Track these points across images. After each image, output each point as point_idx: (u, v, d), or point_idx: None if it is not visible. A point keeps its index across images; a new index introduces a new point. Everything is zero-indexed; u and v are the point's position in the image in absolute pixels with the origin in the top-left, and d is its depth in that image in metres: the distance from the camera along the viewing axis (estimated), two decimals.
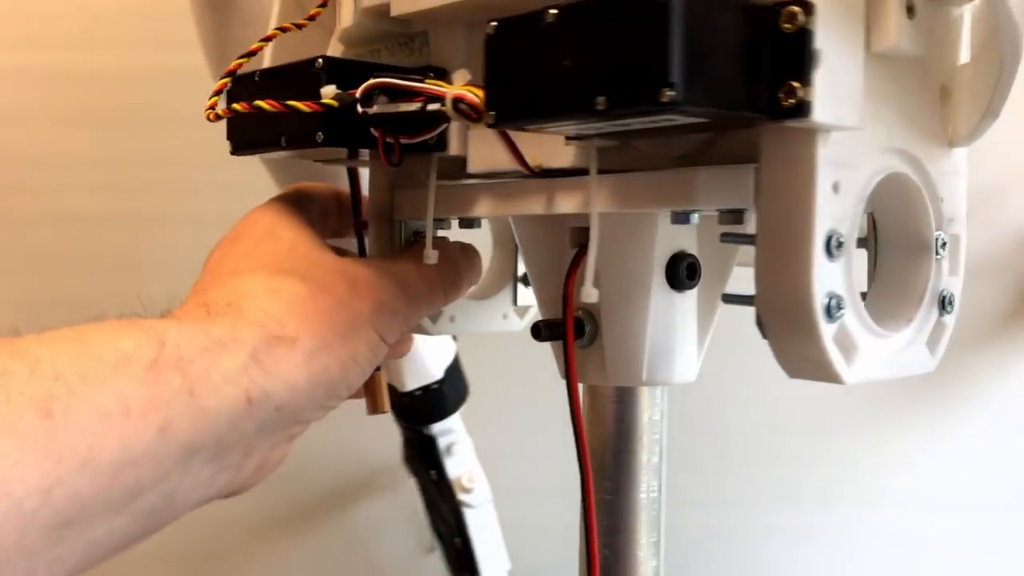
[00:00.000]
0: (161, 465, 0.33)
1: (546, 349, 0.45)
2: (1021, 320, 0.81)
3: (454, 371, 0.70)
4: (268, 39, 0.44)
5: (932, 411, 0.87)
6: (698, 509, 0.84)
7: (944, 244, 0.38)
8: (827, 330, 0.33)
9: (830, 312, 0.33)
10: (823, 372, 0.34)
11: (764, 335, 0.35)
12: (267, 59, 0.50)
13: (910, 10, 0.33)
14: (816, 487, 0.87)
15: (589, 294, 0.37)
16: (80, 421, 0.31)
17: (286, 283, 0.39)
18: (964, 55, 0.38)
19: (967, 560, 0.88)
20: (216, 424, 0.34)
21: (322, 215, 0.47)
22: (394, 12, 0.42)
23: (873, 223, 0.39)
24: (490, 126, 0.33)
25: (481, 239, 0.52)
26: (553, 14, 0.30)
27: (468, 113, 0.35)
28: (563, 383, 0.43)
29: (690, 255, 0.42)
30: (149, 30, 0.84)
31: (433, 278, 0.44)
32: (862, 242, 0.40)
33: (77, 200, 0.85)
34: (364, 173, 0.50)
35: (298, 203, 0.45)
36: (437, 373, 0.69)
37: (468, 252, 0.47)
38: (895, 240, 0.39)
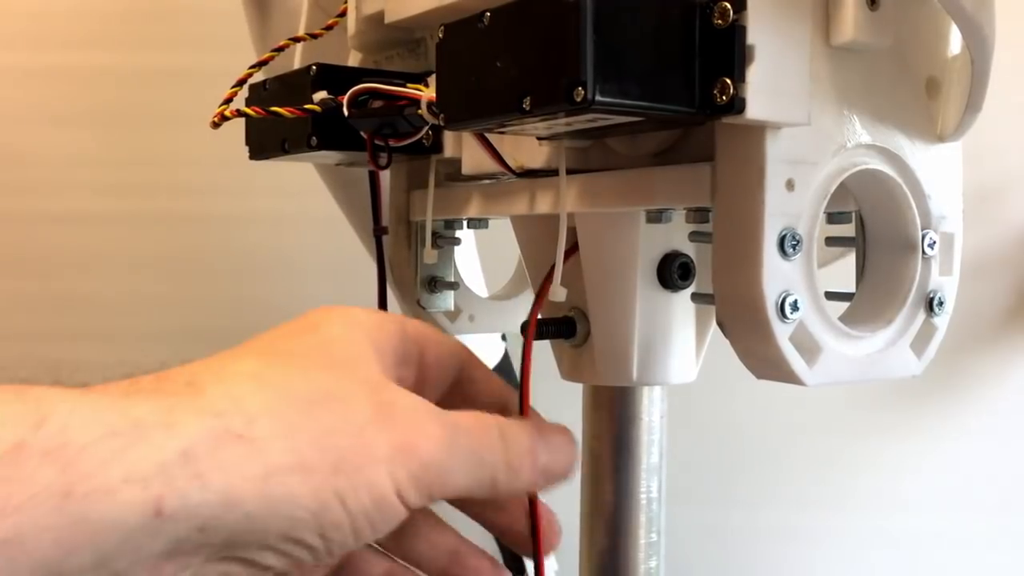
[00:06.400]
0: None
1: None
2: (1021, 320, 0.77)
3: (503, 371, 0.71)
4: (279, 49, 0.47)
5: (931, 410, 0.83)
6: (699, 509, 0.83)
7: (933, 243, 0.37)
8: (781, 330, 0.33)
9: (784, 312, 0.32)
10: (782, 373, 0.33)
11: (724, 335, 0.34)
12: (297, 64, 0.52)
13: (872, 1, 0.33)
14: (816, 487, 0.85)
15: (556, 293, 0.38)
16: None
17: (285, 376, 0.30)
18: (956, 46, 0.37)
19: (968, 560, 0.85)
20: (102, 541, 0.25)
21: (402, 358, 0.34)
22: (387, 20, 0.43)
23: (860, 221, 0.38)
24: (443, 128, 0.34)
25: (493, 239, 0.53)
26: (488, 17, 0.31)
27: (438, 115, 0.36)
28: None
29: (683, 255, 0.42)
30: (149, 30, 0.85)
31: (510, 438, 0.33)
32: (851, 241, 0.39)
33: (77, 200, 0.86)
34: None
35: (379, 317, 0.34)
36: None
37: (564, 435, 0.36)
38: (881, 239, 0.37)
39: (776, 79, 0.30)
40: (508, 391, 0.38)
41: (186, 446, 0.26)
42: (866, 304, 0.37)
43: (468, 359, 0.36)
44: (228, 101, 0.43)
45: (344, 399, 0.30)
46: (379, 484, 0.29)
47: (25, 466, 0.24)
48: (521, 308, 0.55)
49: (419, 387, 0.34)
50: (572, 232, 0.42)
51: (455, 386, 0.35)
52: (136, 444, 0.25)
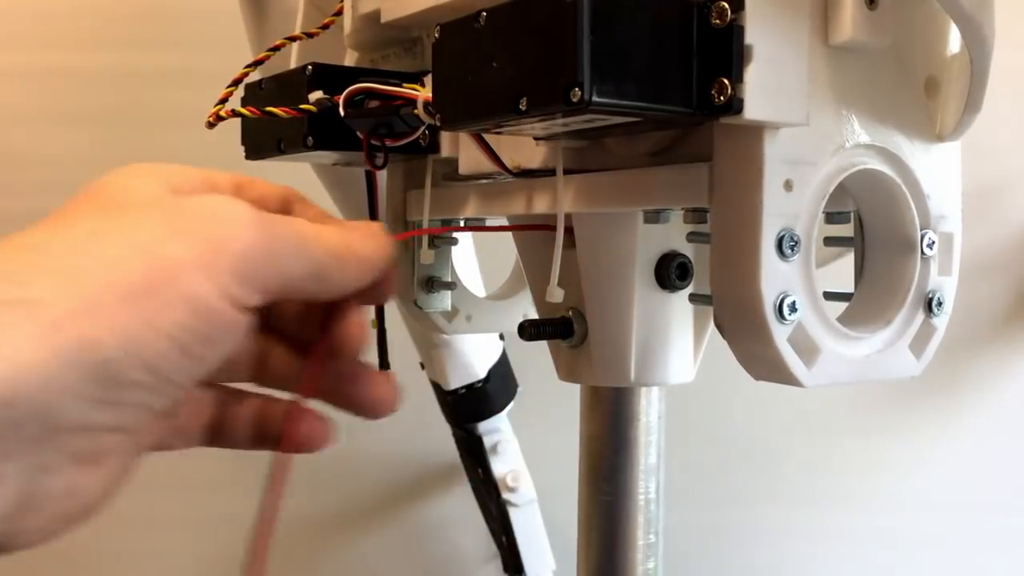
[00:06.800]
0: None
1: None
2: (1021, 320, 0.77)
3: (500, 370, 0.71)
4: (275, 48, 0.46)
5: (931, 411, 0.83)
6: (697, 510, 0.83)
7: (932, 243, 0.37)
8: (780, 331, 0.32)
9: (782, 313, 0.32)
10: (780, 374, 0.33)
11: (722, 336, 0.34)
12: (294, 63, 0.52)
13: (871, 0, 0.32)
14: (815, 488, 0.85)
15: (553, 294, 0.37)
16: None
17: (63, 232, 0.28)
18: (955, 45, 0.37)
19: (968, 560, 0.85)
20: None
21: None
22: (384, 19, 0.43)
23: (859, 221, 0.38)
24: (439, 128, 0.33)
25: (491, 239, 0.53)
26: (484, 16, 0.30)
27: (433, 115, 0.35)
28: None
29: (681, 255, 0.42)
30: (149, 30, 0.85)
31: (322, 231, 0.31)
32: (849, 241, 0.39)
33: None
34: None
35: (173, 168, 0.32)
36: (481, 372, 0.70)
37: (370, 225, 0.35)
38: (880, 239, 0.37)
39: (774, 79, 0.30)
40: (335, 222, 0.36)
41: None
42: (865, 304, 0.37)
43: (297, 201, 0.35)
44: (224, 101, 0.43)
45: (128, 226, 0.28)
46: (196, 294, 0.27)
47: None
48: (519, 308, 0.54)
49: None
50: (570, 232, 0.41)
51: None
52: None
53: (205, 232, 0.28)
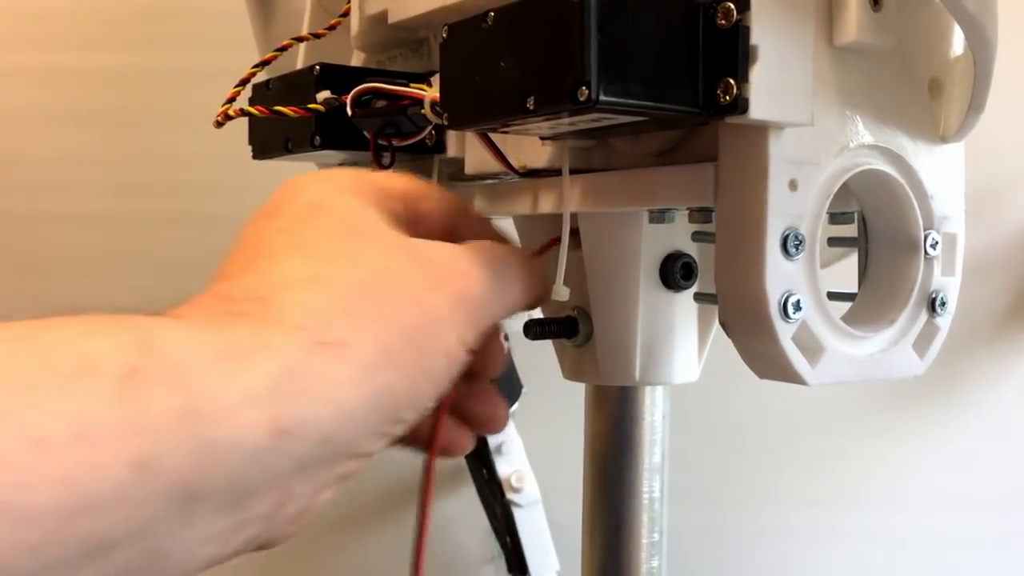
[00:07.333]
0: (140, 512, 0.23)
1: None
2: (1021, 320, 0.77)
3: (505, 371, 0.71)
4: (282, 49, 0.47)
5: (931, 410, 0.83)
6: (701, 509, 0.83)
7: (935, 244, 0.37)
8: (784, 330, 0.33)
9: (786, 312, 0.32)
10: (785, 373, 0.34)
11: (727, 335, 0.35)
12: (300, 64, 0.52)
13: (875, 2, 0.33)
14: (818, 487, 0.85)
15: (559, 292, 0.38)
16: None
17: (336, 268, 0.29)
18: (958, 46, 0.37)
19: (968, 560, 0.85)
20: (230, 463, 0.25)
21: (399, 209, 0.34)
22: (391, 20, 0.43)
23: (863, 221, 0.38)
24: (446, 128, 0.34)
25: None
26: (491, 17, 0.31)
27: (441, 115, 0.36)
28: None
29: (686, 255, 0.42)
30: (150, 31, 0.85)
31: (530, 262, 0.35)
32: (853, 241, 0.39)
33: (77, 200, 0.85)
34: None
35: (361, 179, 0.34)
36: None
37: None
38: (883, 239, 0.37)
39: (779, 79, 0.30)
40: (500, 237, 0.38)
41: (286, 365, 0.26)
42: (868, 304, 0.37)
43: (465, 210, 0.37)
44: (231, 100, 0.43)
45: (392, 271, 0.30)
46: (449, 343, 0.30)
47: (144, 389, 0.24)
48: None
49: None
50: (575, 232, 0.42)
51: (452, 237, 0.35)
52: (243, 366, 0.25)
53: (453, 285, 0.31)
